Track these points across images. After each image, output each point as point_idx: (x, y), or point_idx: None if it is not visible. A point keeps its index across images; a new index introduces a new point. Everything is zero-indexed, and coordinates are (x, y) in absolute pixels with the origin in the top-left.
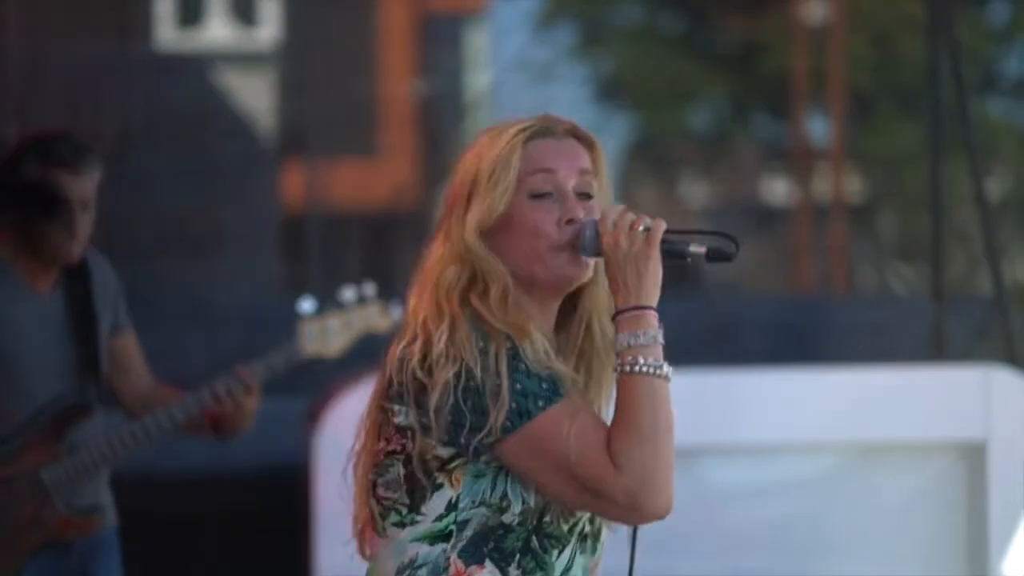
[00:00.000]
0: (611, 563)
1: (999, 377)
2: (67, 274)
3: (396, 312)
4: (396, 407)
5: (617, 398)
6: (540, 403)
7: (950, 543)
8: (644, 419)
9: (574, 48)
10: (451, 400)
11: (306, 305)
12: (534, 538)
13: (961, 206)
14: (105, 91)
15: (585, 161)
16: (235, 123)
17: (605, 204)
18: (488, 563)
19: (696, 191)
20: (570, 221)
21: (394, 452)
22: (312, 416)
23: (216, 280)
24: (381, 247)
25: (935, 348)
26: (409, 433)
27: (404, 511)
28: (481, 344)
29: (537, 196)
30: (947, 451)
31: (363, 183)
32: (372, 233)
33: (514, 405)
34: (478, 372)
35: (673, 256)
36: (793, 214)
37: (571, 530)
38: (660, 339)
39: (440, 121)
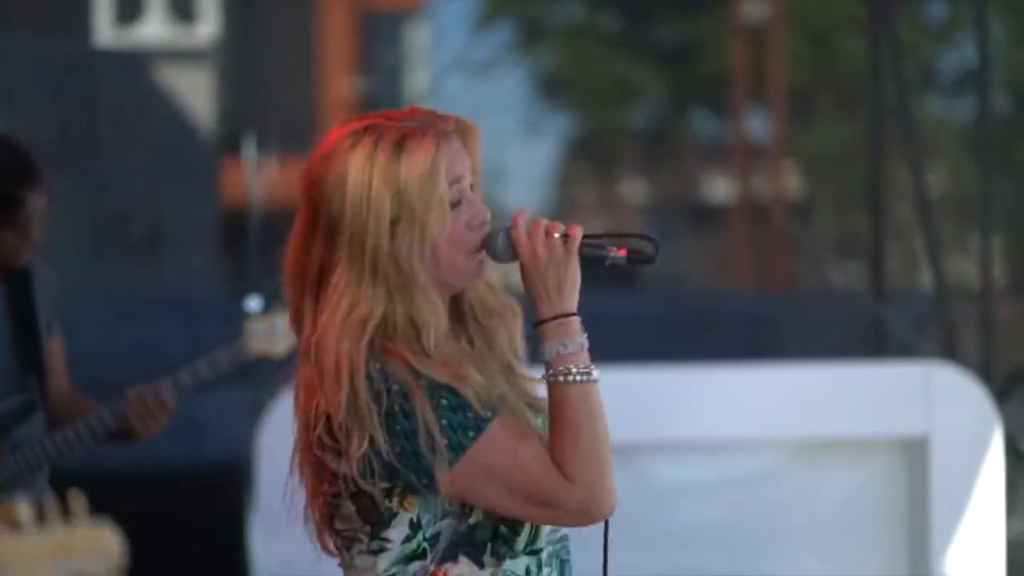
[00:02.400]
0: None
1: (940, 373)
2: (8, 275)
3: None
4: (329, 457)
5: (552, 407)
6: (471, 434)
7: (892, 539)
8: (584, 429)
9: (514, 46)
10: (383, 452)
11: (253, 303)
12: (501, 525)
13: (900, 203)
14: (42, 89)
15: (468, 157)
16: (174, 120)
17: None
18: (462, 558)
19: (636, 189)
20: (481, 223)
21: (338, 494)
22: (257, 411)
23: (156, 278)
24: None
25: (875, 344)
26: (349, 478)
27: (367, 539)
28: (401, 392)
29: (452, 206)
30: (888, 447)
31: None
32: None
33: (446, 442)
34: (403, 420)
35: (593, 260)
36: (733, 212)
37: None
38: (585, 343)
39: None
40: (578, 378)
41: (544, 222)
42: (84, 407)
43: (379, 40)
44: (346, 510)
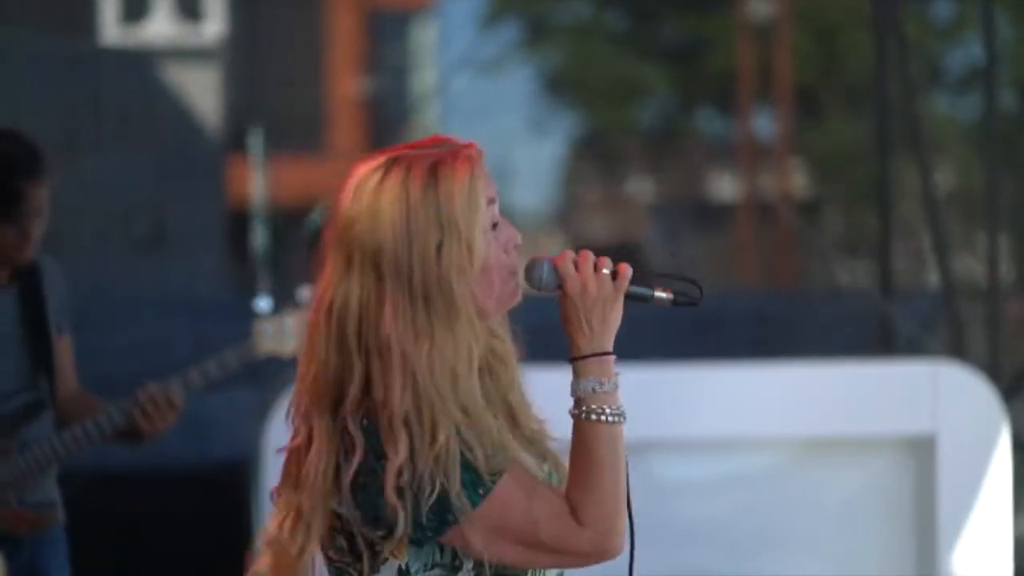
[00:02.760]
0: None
1: (947, 371)
2: (18, 274)
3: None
4: (315, 489)
5: (576, 443)
6: (481, 491)
7: (899, 538)
8: (607, 471)
9: (520, 45)
10: (393, 505)
11: (262, 303)
12: None
13: (907, 201)
14: (49, 87)
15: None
16: (180, 119)
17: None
18: None
19: (642, 187)
20: (516, 246)
21: (332, 527)
22: (264, 411)
23: (161, 276)
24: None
25: (882, 343)
26: (343, 517)
27: (356, 575)
28: (439, 450)
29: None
30: (895, 446)
31: (310, 180)
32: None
33: (456, 503)
34: (426, 481)
35: (637, 300)
36: (739, 210)
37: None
38: (618, 384)
39: (387, 118)
40: (611, 419)
41: (592, 257)
42: (93, 406)
43: (386, 39)
44: (339, 543)
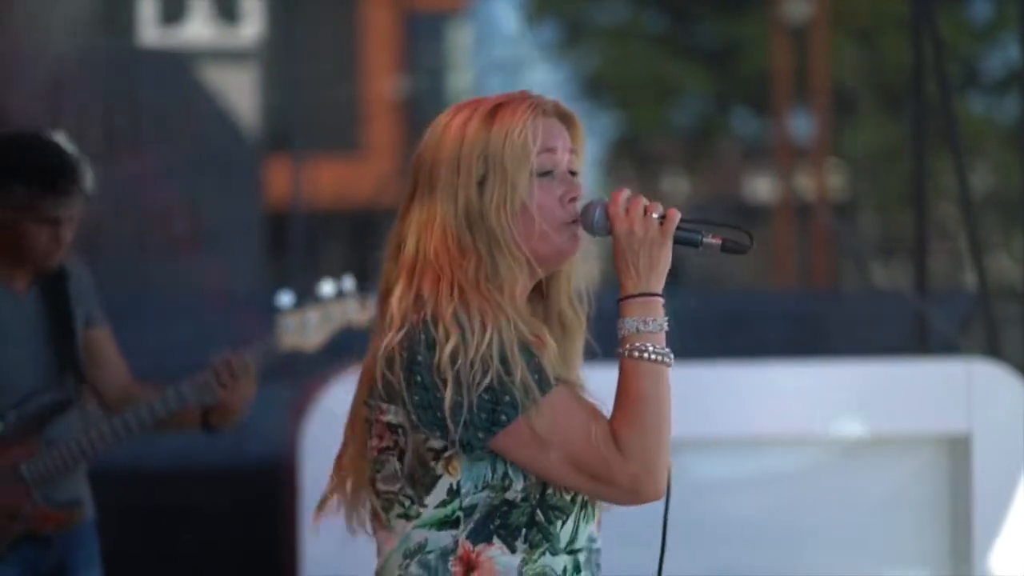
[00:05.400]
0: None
1: (982, 370)
2: (43, 274)
3: (375, 306)
4: (384, 405)
5: (621, 381)
6: (535, 394)
7: (934, 537)
8: (649, 407)
9: (557, 46)
10: (448, 397)
11: (285, 299)
12: (538, 511)
13: (944, 202)
14: (88, 88)
15: (570, 140)
16: (217, 120)
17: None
18: (496, 540)
19: (679, 188)
20: (572, 199)
21: (387, 448)
22: (297, 407)
23: (199, 276)
24: (363, 243)
25: (919, 342)
26: (400, 430)
27: (407, 503)
28: (491, 340)
29: (542, 175)
30: (931, 444)
31: (346, 180)
32: (355, 229)
33: (507, 399)
34: (482, 372)
35: (686, 244)
36: (776, 211)
37: (573, 500)
38: (665, 326)
39: (423, 119)
40: (654, 356)
41: (644, 201)
42: (148, 396)
43: (422, 40)
44: (390, 468)
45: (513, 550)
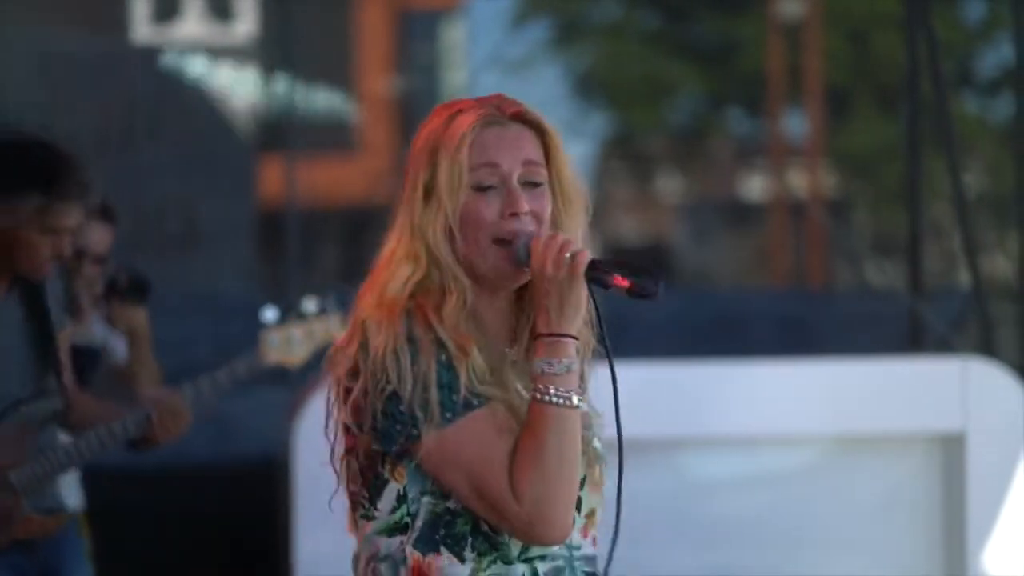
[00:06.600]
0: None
1: (977, 368)
2: (19, 279)
3: None
4: (338, 406)
5: (525, 422)
6: (449, 415)
7: (928, 535)
8: (547, 452)
9: (550, 44)
10: (372, 406)
11: (269, 314)
12: (482, 520)
13: (937, 201)
14: (81, 87)
15: (531, 150)
16: (211, 118)
17: (569, 189)
18: (443, 550)
19: (672, 187)
20: (513, 214)
21: (349, 449)
22: (292, 408)
23: (191, 274)
24: (358, 242)
25: (913, 341)
26: (350, 431)
27: (366, 504)
28: (410, 353)
29: (481, 189)
30: (925, 443)
31: (340, 178)
32: (349, 228)
33: (420, 415)
34: (397, 381)
35: (597, 285)
36: (769, 210)
37: None
38: (575, 367)
39: (417, 117)
40: (554, 400)
41: (562, 239)
42: (105, 406)
43: (415, 38)
44: (354, 468)
45: (462, 560)
